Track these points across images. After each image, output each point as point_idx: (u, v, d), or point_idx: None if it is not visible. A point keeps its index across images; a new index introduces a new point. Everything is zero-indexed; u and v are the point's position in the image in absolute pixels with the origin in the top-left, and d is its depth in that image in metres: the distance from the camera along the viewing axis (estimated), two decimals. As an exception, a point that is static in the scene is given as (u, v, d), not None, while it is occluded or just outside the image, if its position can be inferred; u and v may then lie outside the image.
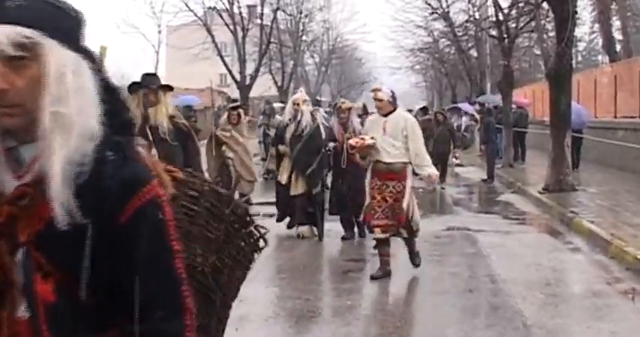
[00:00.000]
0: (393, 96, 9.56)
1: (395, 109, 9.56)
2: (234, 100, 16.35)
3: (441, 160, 19.82)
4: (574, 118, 26.77)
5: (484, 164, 23.54)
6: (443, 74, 52.86)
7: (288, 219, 12.62)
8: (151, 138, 7.61)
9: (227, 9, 39.28)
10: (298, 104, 12.35)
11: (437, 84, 67.95)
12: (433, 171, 9.76)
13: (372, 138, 9.36)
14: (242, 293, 3.09)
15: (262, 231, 2.90)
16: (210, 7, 39.70)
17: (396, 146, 9.33)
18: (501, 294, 8.74)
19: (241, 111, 15.44)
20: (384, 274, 9.38)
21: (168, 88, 8.04)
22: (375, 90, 9.80)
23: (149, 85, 7.85)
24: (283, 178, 12.54)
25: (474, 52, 38.51)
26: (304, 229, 12.45)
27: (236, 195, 14.28)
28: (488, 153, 22.98)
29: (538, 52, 46.79)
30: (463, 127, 36.66)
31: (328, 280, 10.02)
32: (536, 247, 11.83)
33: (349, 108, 12.44)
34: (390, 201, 9.29)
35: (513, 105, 27.90)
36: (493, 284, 9.22)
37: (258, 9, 42.22)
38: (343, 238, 12.18)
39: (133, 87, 7.84)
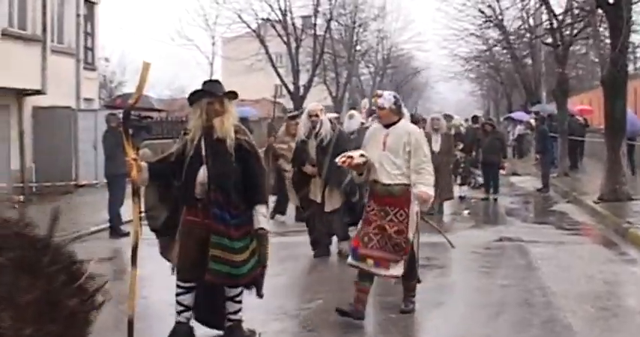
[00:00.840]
0: (397, 104, 8.12)
1: (399, 119, 8.21)
2: (290, 111, 15.02)
3: (491, 171, 20.02)
4: (628, 127, 26.46)
5: (539, 173, 23.18)
6: (498, 82, 52.40)
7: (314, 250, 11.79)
8: (204, 153, 6.82)
9: (280, 20, 39.36)
10: (317, 115, 11.45)
11: (492, 93, 67.39)
12: (427, 190, 8.02)
13: (362, 155, 7.97)
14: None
15: (101, 280, 2.09)
16: (263, 19, 39.82)
17: (397, 164, 8.00)
18: (551, 307, 8.52)
19: (300, 120, 13.78)
20: (353, 313, 7.83)
21: (234, 95, 7.11)
22: (375, 96, 8.35)
23: (213, 93, 6.96)
24: (317, 197, 11.66)
25: (528, 60, 38.10)
26: (346, 246, 10.65)
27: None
28: (543, 162, 22.53)
29: (595, 59, 46.23)
30: (516, 135, 36.27)
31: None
32: (588, 259, 11.58)
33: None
34: (390, 232, 7.90)
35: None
36: (543, 297, 9.00)
37: (312, 20, 42.21)
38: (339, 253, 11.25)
39: (195, 96, 7.01)
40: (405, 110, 8.61)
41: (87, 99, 28.51)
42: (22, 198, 20.59)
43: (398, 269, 7.89)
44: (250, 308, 7.35)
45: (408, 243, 7.90)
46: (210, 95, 6.92)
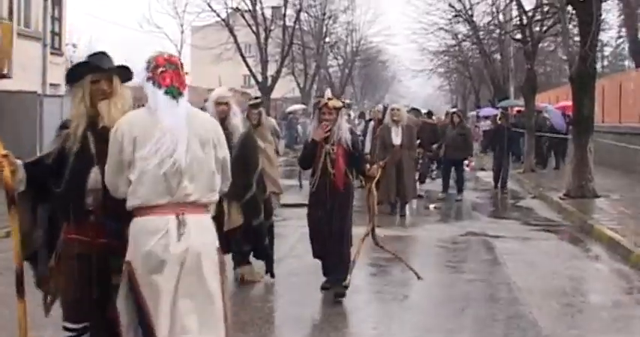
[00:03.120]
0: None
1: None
2: (256, 97, 12.65)
3: (454, 168, 18.84)
4: (559, 121, 26.68)
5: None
6: (466, 77, 52.53)
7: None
8: (93, 150, 4.97)
9: (250, 10, 39.14)
10: (227, 103, 8.58)
11: (461, 88, 67.57)
12: None
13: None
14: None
15: None
16: (233, 8, 39.56)
17: None
18: (516, 303, 8.49)
19: (263, 109, 12.20)
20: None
21: (127, 73, 5.19)
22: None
23: (99, 67, 5.06)
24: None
25: (497, 56, 38.19)
26: (246, 270, 9.27)
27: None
28: (496, 159, 20.90)
29: (563, 56, 46.45)
30: (481, 131, 36.32)
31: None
32: (554, 255, 11.57)
33: (338, 108, 8.63)
34: None
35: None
36: (509, 293, 8.97)
37: (282, 10, 42.02)
38: (324, 288, 8.78)
39: (75, 72, 5.12)
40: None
41: (53, 85, 28.19)
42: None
43: None
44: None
45: None
46: (95, 70, 5.04)
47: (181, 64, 4.96)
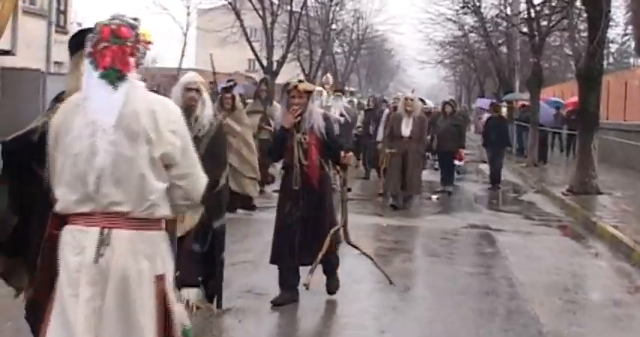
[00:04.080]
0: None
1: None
2: (230, 80, 12.45)
3: (445, 160, 18.19)
4: (544, 116, 26.61)
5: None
6: (472, 69, 52.34)
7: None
8: None
9: (257, -7, 38.95)
10: (197, 90, 7.00)
11: (466, 79, 67.37)
12: None
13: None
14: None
15: None
16: (240, -8, 39.35)
17: None
18: (517, 298, 8.44)
19: (237, 93, 12.03)
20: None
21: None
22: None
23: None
24: None
25: (503, 49, 38.01)
26: (194, 293, 7.16)
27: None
28: (488, 154, 20.07)
29: (569, 52, 46.29)
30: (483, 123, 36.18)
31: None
32: (557, 250, 11.53)
33: (309, 92, 7.75)
34: None
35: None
36: (510, 288, 8.92)
37: (289, -5, 41.83)
38: (275, 304, 7.67)
39: (78, 39, 4.34)
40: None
41: (57, 63, 28.10)
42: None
43: None
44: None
45: None
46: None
47: (137, 35, 3.87)
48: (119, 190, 3.69)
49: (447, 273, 9.61)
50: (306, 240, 7.64)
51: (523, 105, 31.35)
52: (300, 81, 7.85)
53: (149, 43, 3.97)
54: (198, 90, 6.99)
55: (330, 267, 7.98)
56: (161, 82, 31.52)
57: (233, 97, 11.29)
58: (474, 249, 11.53)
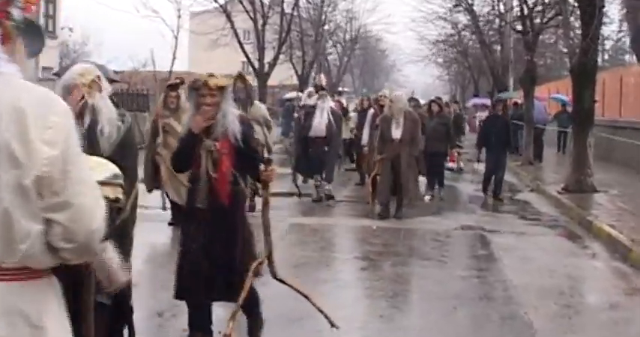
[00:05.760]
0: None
1: None
2: (177, 78, 12.08)
3: (433, 162, 16.47)
4: (536, 114, 26.29)
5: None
6: (465, 68, 52.14)
7: None
8: None
9: (248, -5, 38.67)
10: (89, 86, 5.26)
11: (460, 78, 67.16)
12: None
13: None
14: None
15: None
16: (231, -6, 39.06)
17: None
18: (511, 302, 8.14)
19: (182, 91, 10.91)
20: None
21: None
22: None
23: None
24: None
25: (497, 46, 37.78)
26: None
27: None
28: (488, 159, 17.19)
29: (563, 49, 46.06)
30: (478, 121, 35.87)
31: (324, 284, 9.37)
32: (552, 251, 11.21)
33: (222, 88, 6.24)
34: None
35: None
36: (504, 292, 8.62)
37: (280, -4, 41.58)
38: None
39: None
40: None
41: (46, 68, 27.83)
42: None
43: None
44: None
45: None
46: None
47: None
48: None
49: (438, 277, 9.29)
50: (213, 273, 6.16)
51: (515, 104, 31.06)
52: (210, 75, 6.32)
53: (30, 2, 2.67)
54: (90, 86, 5.23)
55: (251, 305, 6.32)
56: (152, 86, 31.20)
57: (178, 96, 10.86)
58: (467, 252, 11.23)
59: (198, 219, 6.22)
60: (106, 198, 2.78)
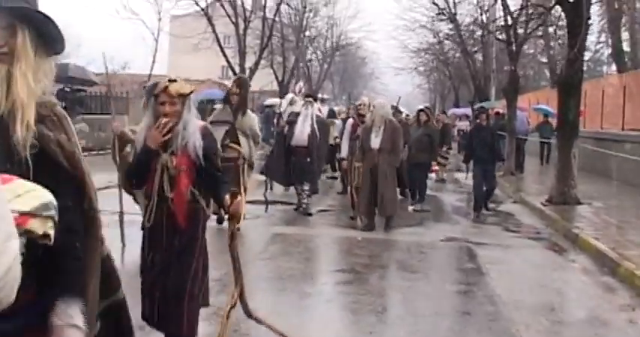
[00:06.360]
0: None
1: None
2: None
3: (416, 173, 16.37)
4: (518, 125, 26.20)
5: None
6: (446, 77, 52.16)
7: None
8: None
9: (230, 0, 38.42)
10: None
11: (440, 87, 67.20)
12: None
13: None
14: None
15: None
16: (213, -3, 38.82)
17: None
18: (501, 318, 7.92)
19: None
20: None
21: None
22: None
23: None
24: None
25: (479, 56, 37.76)
26: None
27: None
28: (476, 173, 16.06)
29: (543, 60, 46.12)
30: (456, 131, 35.79)
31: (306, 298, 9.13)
32: (539, 265, 11.03)
33: (183, 95, 5.65)
34: None
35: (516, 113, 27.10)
36: (493, 307, 8.40)
37: (262, 1, 41.36)
38: None
39: None
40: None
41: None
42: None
43: None
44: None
45: None
46: None
47: None
48: None
49: (425, 292, 9.05)
50: (164, 303, 5.62)
51: (497, 114, 30.98)
52: (171, 80, 5.71)
53: None
54: None
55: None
56: (131, 89, 30.93)
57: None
58: (453, 264, 11.00)
59: (154, 241, 5.72)
60: (30, 232, 2.27)
